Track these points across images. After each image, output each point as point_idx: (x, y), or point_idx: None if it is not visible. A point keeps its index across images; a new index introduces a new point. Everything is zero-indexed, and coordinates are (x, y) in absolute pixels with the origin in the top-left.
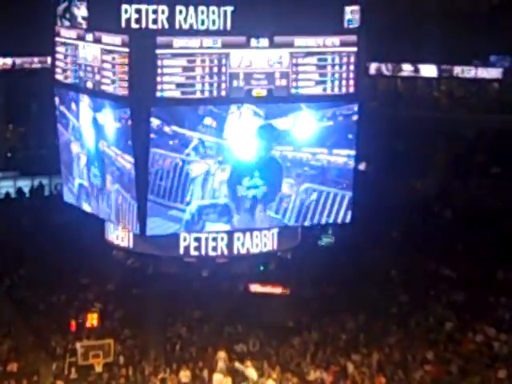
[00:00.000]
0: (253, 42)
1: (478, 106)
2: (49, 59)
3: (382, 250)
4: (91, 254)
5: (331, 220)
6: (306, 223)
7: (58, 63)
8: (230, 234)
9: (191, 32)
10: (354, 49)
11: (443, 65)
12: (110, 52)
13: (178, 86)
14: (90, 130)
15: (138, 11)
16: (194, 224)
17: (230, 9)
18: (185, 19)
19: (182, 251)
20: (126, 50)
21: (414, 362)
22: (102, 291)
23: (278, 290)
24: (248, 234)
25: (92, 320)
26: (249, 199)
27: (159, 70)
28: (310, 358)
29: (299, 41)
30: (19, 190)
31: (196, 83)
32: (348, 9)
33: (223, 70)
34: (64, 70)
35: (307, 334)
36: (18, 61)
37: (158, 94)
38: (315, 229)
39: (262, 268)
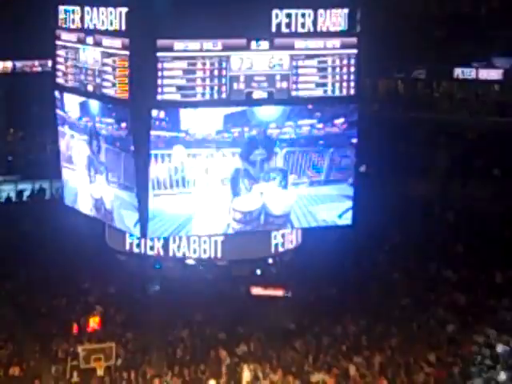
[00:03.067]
0: (253, 44)
1: (478, 107)
2: (49, 62)
3: (384, 253)
4: (93, 257)
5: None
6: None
7: (58, 66)
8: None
9: (191, 35)
10: (355, 51)
11: (443, 66)
12: (110, 55)
13: (179, 88)
14: (91, 133)
15: None
16: None
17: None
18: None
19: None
20: (127, 52)
21: (415, 365)
22: (104, 294)
23: (279, 293)
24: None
25: (94, 323)
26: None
27: (159, 73)
28: (312, 360)
29: (299, 43)
30: (20, 194)
31: (196, 86)
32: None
33: (224, 72)
34: (65, 74)
35: (309, 337)
36: (19, 64)
37: (159, 96)
38: (317, 231)
39: (259, 272)
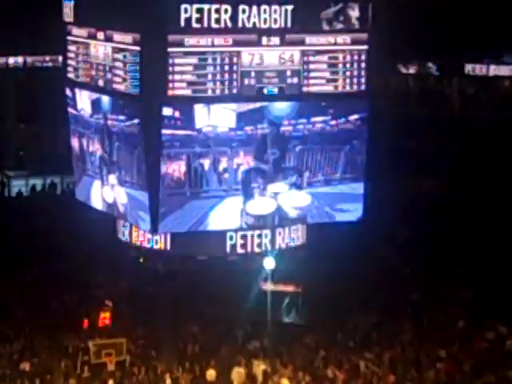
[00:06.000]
0: (264, 40)
1: (489, 103)
2: (60, 58)
3: (394, 249)
4: (104, 252)
5: (344, 218)
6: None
7: (69, 62)
8: (273, 230)
9: (202, 30)
10: (366, 47)
11: (455, 62)
12: (121, 50)
13: (190, 84)
14: (103, 131)
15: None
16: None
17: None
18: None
19: (228, 250)
20: (138, 48)
21: (426, 361)
22: (115, 290)
23: (290, 289)
24: (287, 229)
25: (104, 319)
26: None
27: (170, 69)
28: (323, 356)
29: (310, 39)
30: (31, 189)
31: (207, 81)
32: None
33: (234, 68)
34: (75, 69)
35: (319, 332)
36: (30, 59)
37: (170, 92)
38: (327, 227)
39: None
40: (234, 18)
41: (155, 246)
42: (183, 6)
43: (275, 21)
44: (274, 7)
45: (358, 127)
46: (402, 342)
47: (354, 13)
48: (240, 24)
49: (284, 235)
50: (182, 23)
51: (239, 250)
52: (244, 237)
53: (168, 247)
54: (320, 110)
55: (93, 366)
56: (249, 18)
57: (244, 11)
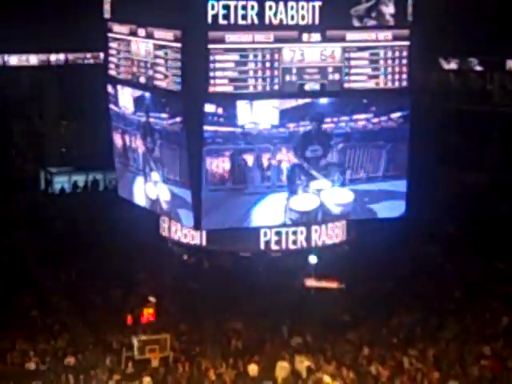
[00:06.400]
0: (305, 36)
1: None
2: (101, 55)
3: (437, 245)
4: (147, 248)
5: (387, 215)
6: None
7: (110, 59)
8: (309, 227)
9: (243, 27)
10: (407, 43)
11: (496, 58)
12: (162, 47)
13: (231, 80)
14: (145, 128)
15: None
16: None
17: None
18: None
19: (263, 246)
20: (179, 45)
21: (470, 357)
22: (158, 286)
23: (333, 285)
24: (323, 227)
25: (148, 315)
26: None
27: (211, 65)
28: (366, 352)
29: (351, 35)
30: (74, 186)
31: (249, 78)
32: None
33: (276, 64)
34: (117, 66)
35: (363, 329)
36: (71, 56)
37: (211, 88)
38: (370, 223)
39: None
40: (260, 14)
41: (192, 242)
42: (210, 3)
43: (303, 17)
44: (301, 4)
45: (400, 125)
46: (446, 339)
47: (388, 9)
48: (267, 21)
49: (320, 233)
50: (210, 20)
51: (273, 247)
52: (278, 234)
53: (204, 243)
54: (362, 107)
55: (137, 361)
56: (275, 14)
57: (271, 8)
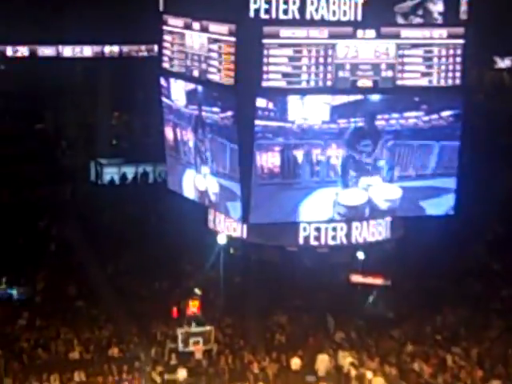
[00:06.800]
0: (359, 32)
1: None
2: (156, 47)
3: (484, 244)
4: (194, 241)
5: (435, 212)
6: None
7: (164, 51)
8: (349, 223)
9: (298, 22)
10: (461, 41)
11: None
12: (216, 41)
13: (284, 75)
14: (196, 122)
15: (268, 2)
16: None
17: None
18: (316, 10)
19: (301, 241)
20: (233, 39)
21: None
22: (204, 278)
23: (379, 281)
24: (365, 223)
25: (193, 307)
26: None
27: (265, 60)
28: (410, 349)
29: (406, 32)
30: (123, 177)
31: (302, 73)
32: (463, 1)
33: (329, 60)
34: (170, 59)
35: (407, 326)
36: (125, 49)
37: (264, 83)
38: (418, 221)
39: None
40: (302, 9)
41: (234, 234)
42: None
43: (344, 13)
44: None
45: (451, 123)
46: (491, 338)
47: (436, 7)
48: (308, 16)
49: (361, 230)
50: (252, 14)
51: (312, 242)
52: (318, 229)
53: (244, 235)
54: (413, 105)
55: (180, 353)
56: (317, 10)
57: (312, 3)
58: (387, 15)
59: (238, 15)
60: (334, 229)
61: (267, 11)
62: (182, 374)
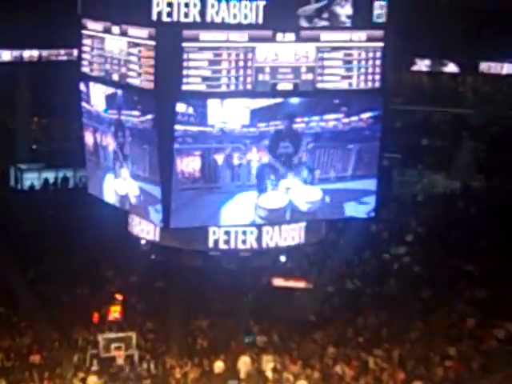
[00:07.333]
0: (279, 36)
1: (503, 102)
2: (75, 52)
3: (405, 246)
4: (115, 246)
5: (356, 214)
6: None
7: (84, 56)
8: (259, 227)
9: (218, 26)
10: (381, 44)
11: (468, 60)
12: (136, 45)
13: (204, 79)
14: (116, 126)
15: (170, 4)
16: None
17: (262, 3)
18: (217, 13)
19: (211, 245)
20: (153, 43)
21: (435, 358)
22: (126, 284)
23: (301, 285)
24: (277, 228)
25: (115, 312)
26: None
27: (185, 64)
28: (332, 352)
29: (326, 35)
30: (44, 182)
31: (222, 77)
32: (376, 4)
33: (249, 63)
34: (90, 63)
35: (329, 329)
36: (45, 53)
37: (184, 87)
38: (338, 223)
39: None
40: (202, 12)
41: (148, 237)
42: (155, 1)
43: (245, 16)
44: (244, 2)
45: (371, 125)
46: (412, 339)
47: (344, 10)
48: (209, 19)
49: (273, 234)
50: (155, 17)
51: (222, 246)
52: (227, 233)
53: (157, 239)
54: (333, 107)
55: (102, 359)
56: (217, 13)
57: (213, 6)
58: (290, 18)
59: (157, 19)
60: (244, 233)
61: (169, 14)
62: (92, 380)
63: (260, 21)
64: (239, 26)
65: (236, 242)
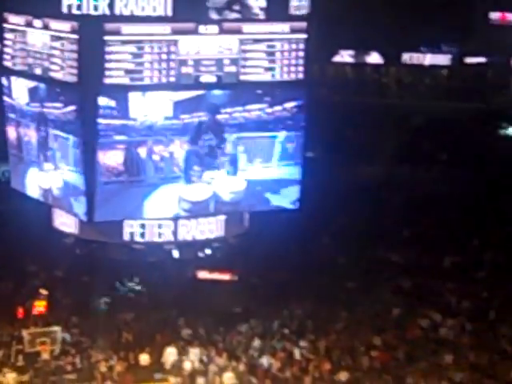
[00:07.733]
0: (201, 28)
1: (426, 92)
2: None
3: (330, 237)
4: (39, 240)
5: (280, 203)
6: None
7: (6, 50)
8: (175, 220)
9: (140, 19)
10: (304, 35)
11: (391, 51)
12: (59, 38)
13: (127, 72)
14: (39, 119)
15: None
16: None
17: None
18: (125, 6)
19: (127, 238)
20: (75, 36)
21: (360, 348)
22: (50, 278)
23: (226, 277)
24: (194, 221)
25: (40, 307)
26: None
27: (107, 57)
28: (257, 344)
29: (248, 27)
30: None
31: (144, 70)
32: None
33: (172, 56)
34: (12, 57)
35: (255, 321)
36: None
37: (107, 80)
38: (263, 215)
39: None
40: (111, 5)
41: (69, 231)
42: None
43: (154, 9)
44: None
45: (295, 114)
46: (337, 330)
47: (257, 3)
48: (117, 12)
49: (190, 228)
50: (65, 9)
51: (138, 239)
52: (143, 226)
53: (78, 232)
54: (256, 98)
55: (27, 354)
56: (126, 5)
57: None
58: (200, 10)
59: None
60: (160, 226)
61: (79, 7)
62: (11, 376)
63: (169, 13)
64: (161, 19)
65: (152, 235)
